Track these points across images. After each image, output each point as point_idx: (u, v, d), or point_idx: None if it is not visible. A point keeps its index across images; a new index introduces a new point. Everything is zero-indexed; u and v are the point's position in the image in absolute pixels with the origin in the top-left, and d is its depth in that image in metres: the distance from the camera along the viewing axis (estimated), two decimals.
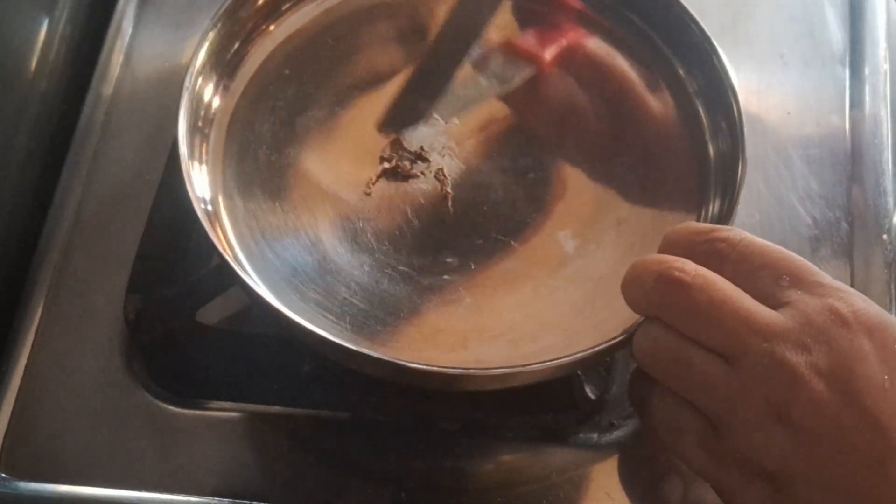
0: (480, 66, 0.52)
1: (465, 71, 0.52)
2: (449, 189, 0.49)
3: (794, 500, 0.36)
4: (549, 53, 0.52)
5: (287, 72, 0.52)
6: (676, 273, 0.38)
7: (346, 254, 0.47)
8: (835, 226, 0.54)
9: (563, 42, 0.53)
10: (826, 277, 0.38)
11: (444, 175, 0.49)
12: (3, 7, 0.53)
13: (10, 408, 0.47)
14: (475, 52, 0.53)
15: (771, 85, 0.58)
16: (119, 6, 0.60)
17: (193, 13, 0.59)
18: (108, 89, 0.57)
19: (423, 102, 0.51)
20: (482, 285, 0.46)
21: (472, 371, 0.41)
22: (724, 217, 0.46)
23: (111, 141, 0.55)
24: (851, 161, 0.56)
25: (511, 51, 0.53)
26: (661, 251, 0.41)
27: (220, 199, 0.48)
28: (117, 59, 0.58)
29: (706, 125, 0.50)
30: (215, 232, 0.45)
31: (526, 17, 0.54)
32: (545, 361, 0.41)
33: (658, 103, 0.52)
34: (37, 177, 0.55)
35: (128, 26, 0.59)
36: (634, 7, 0.53)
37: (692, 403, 0.38)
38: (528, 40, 0.53)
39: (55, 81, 0.57)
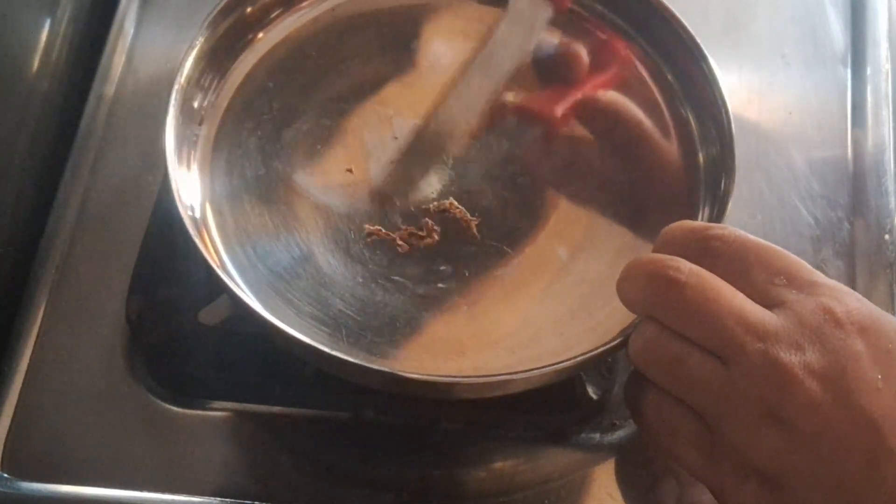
0: (469, 74, 0.52)
1: (452, 81, 0.52)
2: (470, 216, 0.48)
3: (788, 499, 0.36)
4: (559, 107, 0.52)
5: (271, 84, 0.51)
6: (671, 272, 0.38)
7: (339, 265, 0.47)
8: (837, 226, 0.53)
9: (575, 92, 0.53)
10: (820, 276, 0.38)
11: (457, 206, 0.48)
12: (5, 7, 0.53)
13: (12, 408, 0.47)
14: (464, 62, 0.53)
15: (772, 85, 0.58)
16: (121, 6, 0.60)
17: (195, 13, 0.59)
18: (110, 89, 0.57)
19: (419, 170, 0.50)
20: (477, 292, 0.46)
21: (470, 379, 0.42)
22: (716, 220, 0.46)
23: (113, 141, 0.55)
24: (853, 161, 0.56)
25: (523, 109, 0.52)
26: (655, 250, 0.41)
27: (210, 214, 0.47)
28: (119, 60, 0.58)
29: (696, 132, 0.50)
30: (205, 245, 0.45)
31: None
32: (542, 367, 0.41)
33: (648, 109, 0.51)
34: (39, 177, 0.55)
35: (130, 26, 0.59)
36: (623, 12, 0.53)
37: (687, 404, 0.38)
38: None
39: (57, 81, 0.57)
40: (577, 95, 0.52)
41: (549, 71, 0.53)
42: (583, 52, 0.53)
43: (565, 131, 0.51)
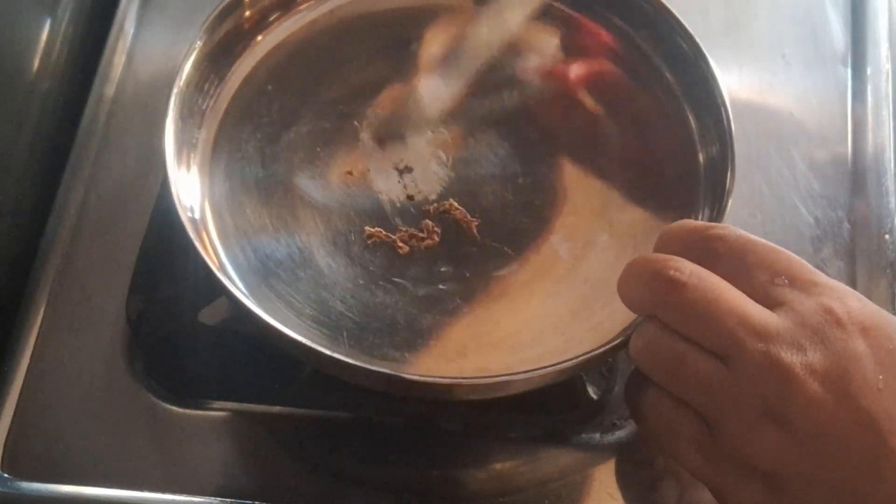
0: (468, 75, 0.52)
1: (451, 79, 0.52)
2: (470, 217, 0.48)
3: (789, 500, 0.36)
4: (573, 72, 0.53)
5: (271, 87, 0.51)
6: (672, 272, 0.38)
7: (340, 267, 0.46)
8: (837, 226, 0.53)
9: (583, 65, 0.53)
10: (822, 276, 0.38)
11: (457, 207, 0.48)
12: (6, 7, 0.53)
13: (13, 408, 0.47)
14: (464, 61, 0.53)
15: (773, 85, 0.58)
16: (121, 6, 0.60)
17: (196, 13, 0.59)
18: (110, 90, 0.57)
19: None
20: (478, 293, 0.46)
21: (471, 380, 0.41)
22: (716, 220, 0.45)
23: (113, 141, 0.55)
24: (853, 161, 0.56)
25: (546, 75, 0.53)
26: (656, 250, 0.41)
27: (209, 215, 0.47)
28: (119, 60, 0.58)
29: (696, 131, 0.50)
30: (205, 247, 0.45)
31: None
32: (543, 367, 0.41)
33: (648, 109, 0.51)
34: (39, 177, 0.55)
35: (130, 27, 0.59)
36: (622, 13, 0.53)
37: (687, 404, 0.38)
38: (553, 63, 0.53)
39: (57, 82, 0.57)
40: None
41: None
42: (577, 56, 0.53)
43: (565, 132, 0.51)
